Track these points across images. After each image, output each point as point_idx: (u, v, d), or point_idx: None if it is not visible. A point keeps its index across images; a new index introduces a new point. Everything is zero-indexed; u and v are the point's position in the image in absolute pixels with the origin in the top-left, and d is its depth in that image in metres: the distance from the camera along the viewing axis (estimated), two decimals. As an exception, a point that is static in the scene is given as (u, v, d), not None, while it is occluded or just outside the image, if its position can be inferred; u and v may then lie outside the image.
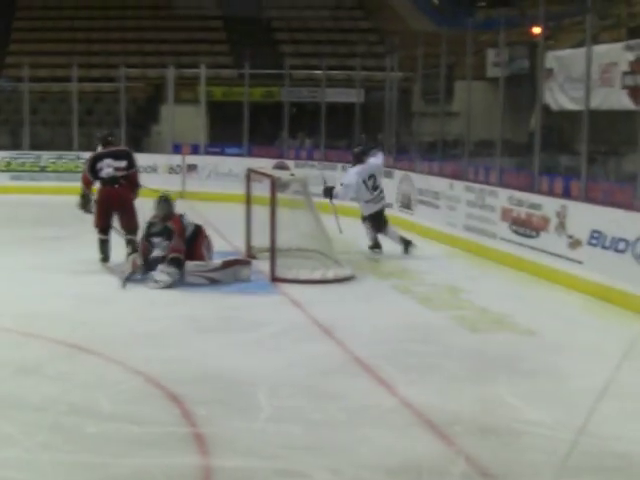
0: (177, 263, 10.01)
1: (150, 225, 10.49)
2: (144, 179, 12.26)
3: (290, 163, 18.67)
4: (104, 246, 11.27)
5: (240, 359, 7.10)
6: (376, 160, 12.60)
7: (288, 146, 20.20)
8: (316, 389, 6.35)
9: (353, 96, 19.80)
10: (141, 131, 24.33)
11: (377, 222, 12.39)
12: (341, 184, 12.50)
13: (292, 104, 20.76)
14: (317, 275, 10.39)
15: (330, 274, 10.45)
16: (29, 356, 7.08)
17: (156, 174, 19.97)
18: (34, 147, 22.19)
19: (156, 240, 10.27)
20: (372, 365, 6.91)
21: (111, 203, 11.27)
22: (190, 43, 27.24)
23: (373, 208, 12.38)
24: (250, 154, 20.12)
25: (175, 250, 10.05)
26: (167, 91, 22.60)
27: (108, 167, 11.24)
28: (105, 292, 9.78)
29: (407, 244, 12.29)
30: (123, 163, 11.34)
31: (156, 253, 10.18)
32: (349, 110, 19.22)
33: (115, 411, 5.82)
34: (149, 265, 10.15)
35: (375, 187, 12.38)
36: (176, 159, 21.02)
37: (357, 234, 12.56)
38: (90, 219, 11.43)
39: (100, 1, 29.50)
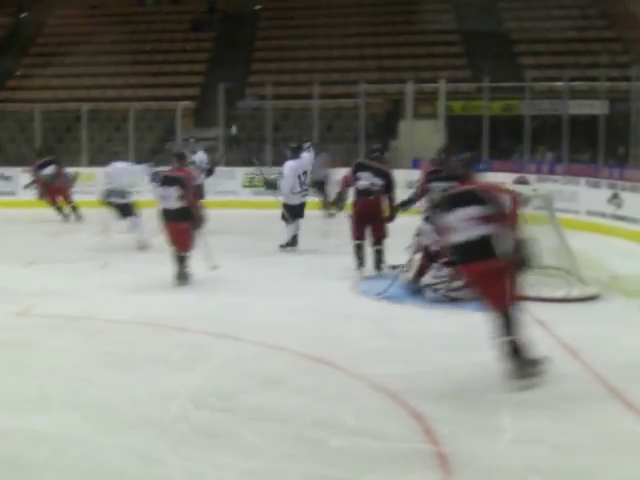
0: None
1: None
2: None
3: (531, 178, 18.31)
4: (359, 251, 11.61)
5: (482, 378, 6.98)
6: (309, 156, 13.72)
7: (528, 160, 19.83)
8: (561, 411, 6.16)
9: (596, 108, 19.26)
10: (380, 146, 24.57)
11: (295, 213, 13.60)
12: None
13: (533, 117, 20.36)
14: (561, 293, 10.08)
15: (574, 293, 10.12)
16: (274, 368, 7.26)
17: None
18: (276, 163, 22.90)
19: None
20: (621, 389, 6.61)
21: (364, 214, 11.57)
22: (428, 58, 27.35)
23: (297, 200, 13.60)
24: (490, 169, 19.86)
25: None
26: (406, 106, 22.71)
27: (365, 180, 11.55)
28: (346, 305, 9.93)
29: (293, 244, 13.62)
30: (380, 182, 11.53)
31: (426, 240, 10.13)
32: (592, 122, 18.67)
33: (358, 426, 5.86)
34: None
35: (305, 182, 13.68)
36: (415, 174, 21.01)
37: (603, 252, 12.12)
38: (337, 234, 12.18)
39: (339, 19, 30.14)
